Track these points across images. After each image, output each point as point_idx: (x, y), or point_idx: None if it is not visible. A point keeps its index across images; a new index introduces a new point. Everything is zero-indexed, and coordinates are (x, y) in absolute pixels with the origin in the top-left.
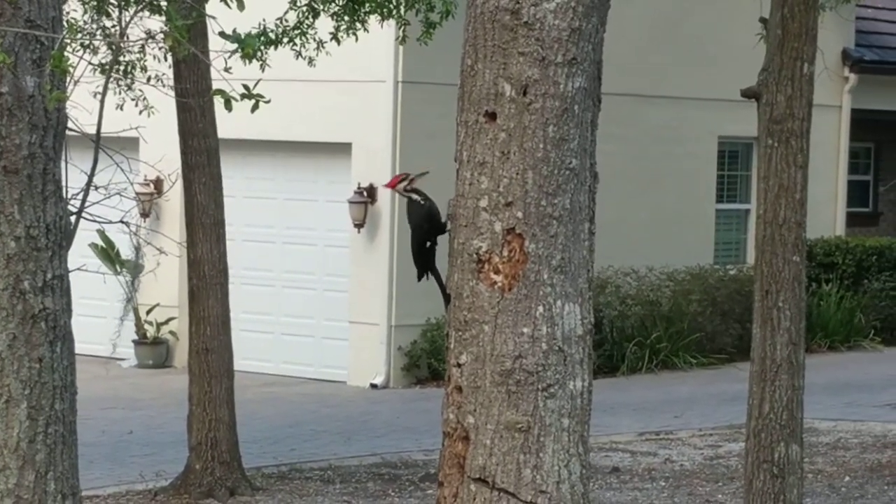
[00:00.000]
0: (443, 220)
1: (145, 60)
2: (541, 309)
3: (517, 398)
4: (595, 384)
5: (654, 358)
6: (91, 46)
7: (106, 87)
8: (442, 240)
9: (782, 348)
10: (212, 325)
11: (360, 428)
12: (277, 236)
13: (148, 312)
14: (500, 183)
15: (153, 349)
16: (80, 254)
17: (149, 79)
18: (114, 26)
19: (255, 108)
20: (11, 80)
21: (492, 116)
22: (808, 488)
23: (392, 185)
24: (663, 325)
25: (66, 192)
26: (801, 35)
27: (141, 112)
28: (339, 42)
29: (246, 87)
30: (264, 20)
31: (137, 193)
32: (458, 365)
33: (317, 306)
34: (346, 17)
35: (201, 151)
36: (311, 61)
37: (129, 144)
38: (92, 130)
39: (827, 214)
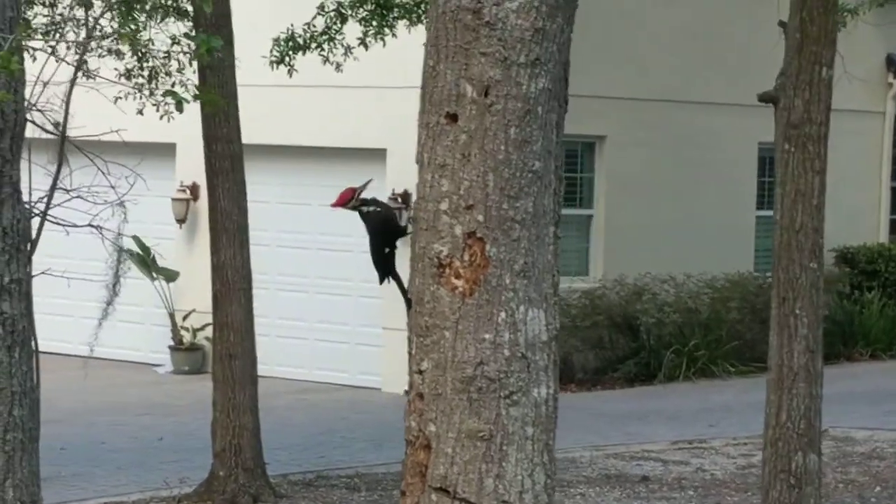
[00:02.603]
0: (403, 223)
1: (170, 66)
2: (503, 314)
3: (479, 406)
4: (631, 392)
5: (692, 366)
6: (114, 51)
7: (72, 88)
8: (405, 242)
9: (799, 356)
10: (235, 331)
11: (391, 435)
12: (312, 242)
13: (184, 318)
14: (461, 186)
15: (189, 355)
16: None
17: (173, 84)
18: (140, 32)
19: (207, 107)
20: None
21: (453, 118)
22: (836, 498)
23: (341, 203)
24: (701, 332)
25: (30, 194)
26: (819, 39)
27: (161, 118)
28: (366, 47)
29: (197, 87)
30: (292, 25)
31: (173, 199)
32: (420, 371)
33: (351, 312)
34: (375, 23)
35: (225, 157)
36: (338, 67)
37: (166, 151)
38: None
39: (870, 221)
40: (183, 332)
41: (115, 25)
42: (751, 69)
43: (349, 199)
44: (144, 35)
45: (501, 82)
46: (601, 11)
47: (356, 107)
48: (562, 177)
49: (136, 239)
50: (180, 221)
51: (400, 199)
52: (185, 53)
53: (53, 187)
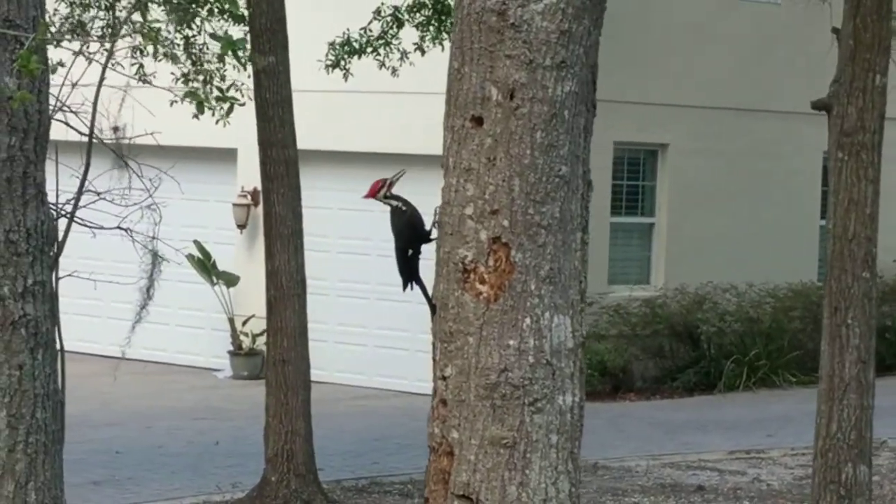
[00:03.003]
0: (427, 228)
1: (225, 70)
2: (528, 321)
3: (502, 412)
4: (690, 401)
5: (753, 375)
6: (170, 54)
7: (98, 89)
8: (429, 249)
9: (851, 366)
10: (288, 336)
11: None
12: (373, 248)
13: (244, 324)
14: (486, 190)
15: (248, 360)
16: (178, 264)
17: (228, 88)
18: (194, 36)
19: (230, 111)
20: None
21: (478, 121)
22: None
23: (372, 194)
24: (763, 342)
25: (57, 195)
26: (873, 46)
27: (217, 121)
28: (423, 52)
29: (220, 90)
30: (348, 30)
31: (234, 204)
32: (443, 378)
33: (411, 319)
34: (432, 28)
35: (280, 162)
36: (394, 71)
37: (227, 156)
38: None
39: None
40: (242, 338)
41: (171, 28)
42: (814, 76)
43: (378, 190)
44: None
45: (527, 85)
46: (663, 21)
47: (417, 113)
48: (590, 182)
49: (196, 244)
50: (241, 226)
51: None
52: (239, 59)
53: (81, 189)
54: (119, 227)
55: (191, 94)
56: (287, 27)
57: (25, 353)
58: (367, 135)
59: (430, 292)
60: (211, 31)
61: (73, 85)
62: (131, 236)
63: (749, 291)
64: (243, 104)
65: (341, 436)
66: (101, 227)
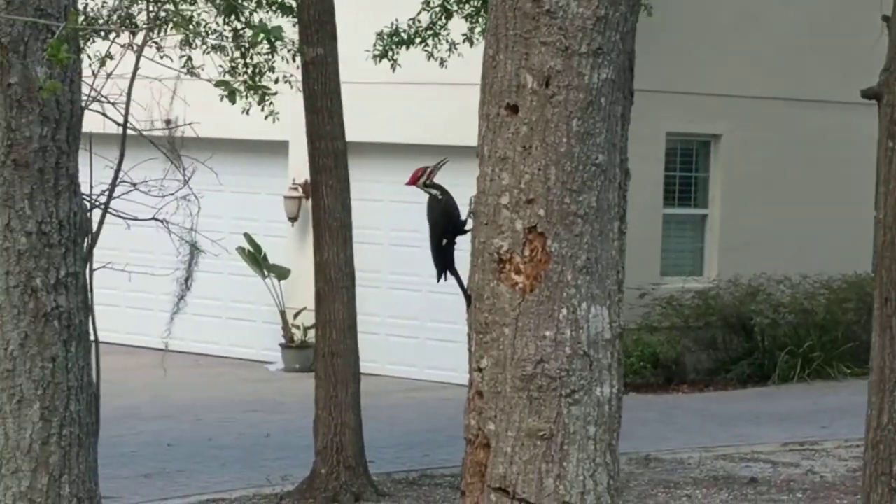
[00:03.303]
0: (463, 217)
1: (273, 62)
2: (564, 311)
3: (539, 404)
4: (744, 393)
5: (807, 367)
6: (218, 48)
7: (132, 81)
8: (464, 239)
9: None
10: (338, 329)
11: None
12: (424, 240)
13: (295, 316)
14: (522, 179)
15: (299, 353)
16: (229, 257)
17: (276, 81)
18: (242, 28)
19: (261, 100)
20: (21, 71)
21: (513, 109)
22: None
23: (412, 182)
24: (817, 333)
25: (91, 187)
26: None
27: (267, 117)
28: (472, 43)
29: (252, 79)
30: (396, 20)
31: (286, 197)
32: (479, 369)
33: (463, 311)
34: (481, 19)
35: (329, 154)
36: (442, 62)
37: (279, 149)
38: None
39: None
40: (294, 330)
41: (220, 21)
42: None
43: (419, 178)
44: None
45: (563, 72)
46: (716, 10)
47: (471, 104)
48: (628, 170)
49: (247, 237)
50: (292, 219)
51: None
52: (288, 50)
53: (115, 180)
54: (154, 219)
55: (222, 83)
56: (335, 18)
57: (59, 345)
58: (416, 126)
59: (465, 283)
60: (258, 22)
61: (108, 76)
62: (167, 227)
63: (803, 283)
64: (275, 94)
65: (392, 428)
66: (136, 219)
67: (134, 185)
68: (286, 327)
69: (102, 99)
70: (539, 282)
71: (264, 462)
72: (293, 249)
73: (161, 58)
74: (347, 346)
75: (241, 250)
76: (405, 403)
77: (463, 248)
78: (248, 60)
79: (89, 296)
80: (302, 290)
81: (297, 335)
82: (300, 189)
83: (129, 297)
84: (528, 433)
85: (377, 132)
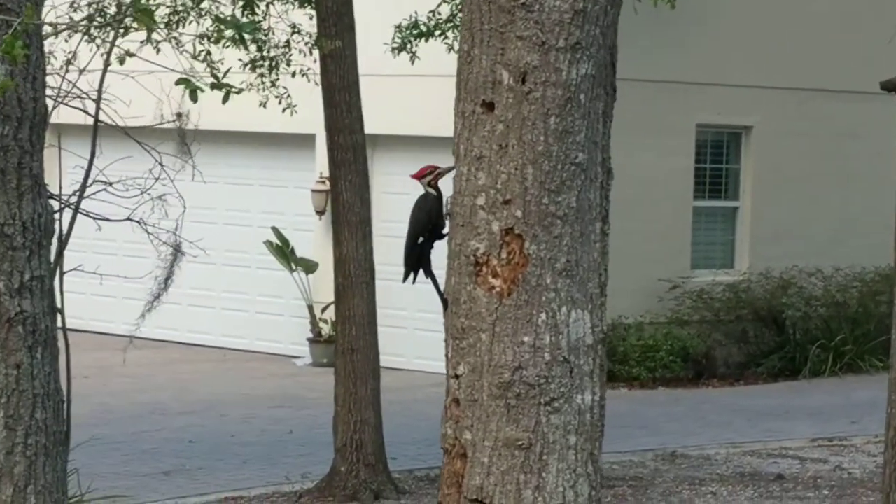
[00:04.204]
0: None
1: (290, 55)
2: (543, 316)
3: (517, 413)
4: (774, 387)
5: (839, 361)
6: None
7: (103, 75)
8: (442, 241)
9: None
10: (357, 324)
11: None
12: None
13: (323, 310)
14: (498, 179)
15: (327, 347)
16: (257, 251)
17: (293, 74)
18: (259, 21)
19: (225, 98)
20: None
21: (489, 106)
22: None
23: (418, 176)
24: (849, 326)
25: (60, 186)
26: None
27: (284, 110)
28: None
29: (215, 76)
30: (416, 12)
31: (312, 191)
32: (456, 376)
33: None
34: None
35: (347, 148)
36: None
37: (306, 142)
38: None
39: None
40: (321, 325)
41: (239, 14)
42: None
43: (426, 175)
44: (264, 24)
45: (539, 68)
46: (747, 1)
47: None
48: (610, 169)
49: (274, 230)
50: (320, 213)
51: None
52: (305, 43)
53: (86, 178)
54: (129, 219)
55: (183, 81)
56: (353, 10)
57: (23, 351)
58: (436, 119)
59: (441, 287)
60: (276, 15)
61: (81, 71)
62: (144, 228)
63: (835, 275)
64: (239, 92)
65: (417, 424)
66: (108, 219)
67: (109, 183)
68: (314, 321)
69: (83, 95)
70: (517, 285)
71: (286, 459)
72: (321, 243)
73: (179, 52)
74: (367, 342)
75: (268, 244)
76: (432, 398)
77: (440, 250)
78: (266, 54)
79: (59, 299)
80: (330, 284)
81: (325, 329)
82: (327, 182)
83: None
84: (506, 443)
85: (397, 125)
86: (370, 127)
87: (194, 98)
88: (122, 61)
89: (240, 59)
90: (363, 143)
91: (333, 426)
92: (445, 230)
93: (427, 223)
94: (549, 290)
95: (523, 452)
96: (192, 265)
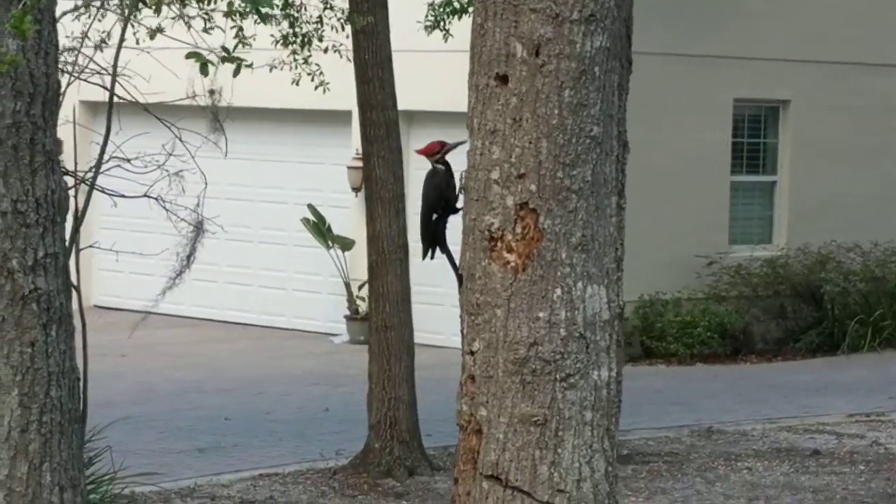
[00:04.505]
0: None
1: (322, 31)
2: (558, 291)
3: (532, 389)
4: (812, 363)
5: (877, 336)
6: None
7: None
8: (457, 217)
9: None
10: (391, 301)
11: None
12: None
13: (360, 288)
14: (512, 153)
15: (364, 325)
16: (294, 228)
17: (325, 50)
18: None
19: (236, 71)
20: None
21: (503, 80)
22: None
23: (426, 153)
24: (888, 301)
25: (75, 162)
26: None
27: (317, 88)
28: None
29: (225, 49)
30: None
31: (349, 167)
32: (471, 352)
33: None
34: None
35: (380, 124)
36: None
37: (342, 119)
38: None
39: None
40: (359, 302)
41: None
42: None
43: (435, 152)
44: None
45: (553, 40)
46: None
47: None
48: (626, 143)
49: (311, 207)
50: (356, 190)
51: None
52: (338, 19)
53: (102, 154)
54: (147, 196)
55: (193, 55)
56: None
57: (38, 328)
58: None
59: (457, 262)
60: None
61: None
62: (162, 205)
63: (874, 250)
64: (250, 65)
65: (452, 401)
66: (123, 196)
67: (128, 160)
68: (351, 299)
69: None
70: (532, 260)
71: (321, 436)
72: (357, 220)
73: (210, 29)
74: (401, 320)
75: (305, 221)
76: None
77: (456, 225)
78: (298, 30)
79: (75, 276)
80: (366, 261)
81: (362, 307)
82: None
83: (194, 269)
84: (521, 419)
85: (433, 101)
86: (406, 103)
87: (204, 72)
88: (152, 37)
89: (272, 35)
90: (396, 119)
91: (367, 403)
92: (460, 205)
93: (438, 199)
94: (565, 265)
95: (539, 428)
96: (230, 243)
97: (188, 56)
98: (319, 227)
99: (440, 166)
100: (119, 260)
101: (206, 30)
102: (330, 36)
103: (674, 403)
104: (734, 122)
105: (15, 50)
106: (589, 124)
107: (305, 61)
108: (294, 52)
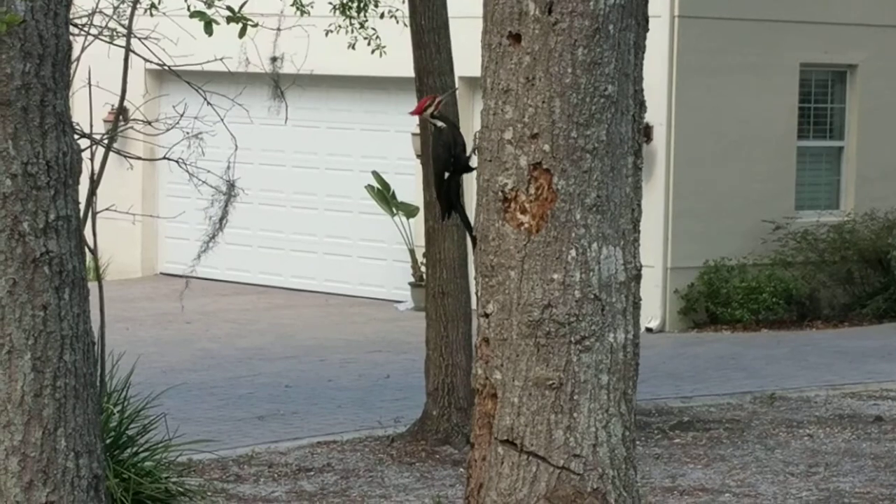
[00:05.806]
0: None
1: None
2: (573, 252)
3: (547, 352)
4: (878, 329)
5: None
6: None
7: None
8: (471, 177)
9: None
10: (448, 267)
11: None
12: None
13: (424, 255)
14: (526, 112)
15: None
16: (359, 196)
17: (382, 15)
18: None
19: (242, 32)
20: None
21: (516, 38)
22: None
23: (418, 112)
24: None
25: (91, 124)
26: None
27: (373, 52)
28: None
29: (231, 9)
30: None
31: (413, 134)
32: (486, 315)
33: None
34: None
35: (436, 90)
36: None
37: (406, 85)
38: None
39: None
40: (423, 269)
41: None
42: None
43: (425, 108)
44: None
45: None
46: None
47: None
48: (643, 102)
49: (375, 174)
50: (420, 156)
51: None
52: None
53: (117, 117)
54: (166, 158)
55: (198, 14)
56: None
57: (50, 292)
58: None
59: (472, 223)
60: None
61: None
62: (184, 167)
63: None
64: (255, 25)
65: None
66: (139, 158)
67: (148, 122)
68: (415, 266)
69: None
70: (546, 221)
71: (381, 403)
72: (421, 187)
73: None
74: (458, 286)
75: (369, 188)
76: None
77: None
78: None
79: (92, 239)
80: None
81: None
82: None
83: (259, 236)
84: (536, 382)
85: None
86: (470, 70)
87: (209, 31)
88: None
89: (329, 2)
90: (453, 85)
91: (425, 370)
92: (473, 164)
93: (447, 157)
94: (579, 226)
95: (553, 392)
96: (294, 210)
97: (192, 15)
98: (384, 194)
99: (440, 123)
100: (187, 227)
101: None
102: (386, 1)
103: (737, 370)
104: (801, 87)
105: (23, 10)
106: (603, 83)
107: (362, 26)
108: (349, 17)
